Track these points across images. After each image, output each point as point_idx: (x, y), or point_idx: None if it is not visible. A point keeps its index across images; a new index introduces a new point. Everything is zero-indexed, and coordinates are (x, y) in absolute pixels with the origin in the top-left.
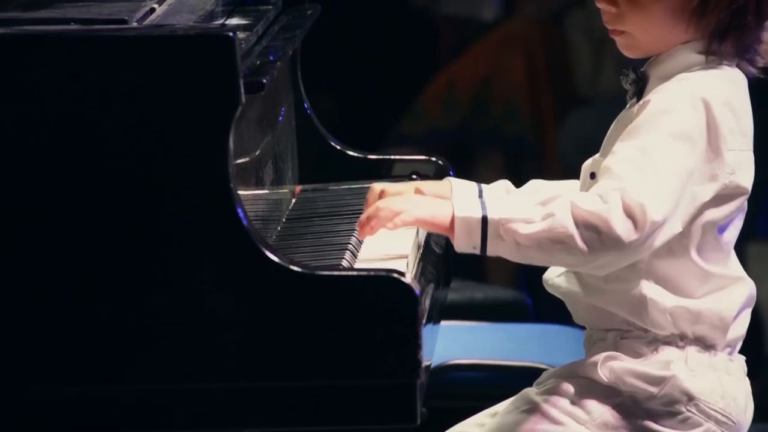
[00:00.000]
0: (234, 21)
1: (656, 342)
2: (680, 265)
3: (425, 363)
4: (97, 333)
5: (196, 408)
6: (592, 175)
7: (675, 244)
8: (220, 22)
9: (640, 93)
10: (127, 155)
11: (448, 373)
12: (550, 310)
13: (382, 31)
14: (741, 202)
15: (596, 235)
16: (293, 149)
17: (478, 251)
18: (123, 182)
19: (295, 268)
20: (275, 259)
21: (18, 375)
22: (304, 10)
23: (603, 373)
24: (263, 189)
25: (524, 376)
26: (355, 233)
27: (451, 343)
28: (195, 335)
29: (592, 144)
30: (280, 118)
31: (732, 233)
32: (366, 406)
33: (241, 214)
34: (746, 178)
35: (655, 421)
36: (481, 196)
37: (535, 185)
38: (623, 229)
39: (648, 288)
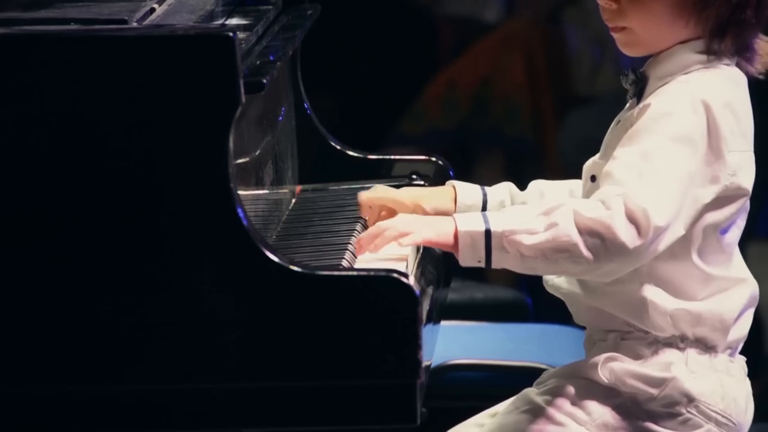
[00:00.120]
0: (234, 21)
1: (657, 343)
2: (681, 268)
3: (425, 363)
4: (97, 333)
5: (196, 408)
6: (593, 178)
7: (676, 247)
8: (220, 22)
9: (640, 93)
10: (127, 155)
11: (448, 373)
12: (550, 310)
13: (382, 31)
14: (742, 204)
15: (600, 242)
16: (293, 149)
17: (483, 264)
18: (123, 182)
19: (295, 268)
20: (275, 259)
21: (18, 375)
22: (304, 10)
23: (603, 374)
24: (263, 189)
25: (524, 376)
26: (356, 233)
27: (451, 343)
28: (195, 335)
29: (592, 144)
30: (280, 118)
31: (734, 234)
32: (366, 406)
33: (241, 214)
34: (747, 179)
35: (656, 423)
36: (484, 202)
37: (538, 186)
38: (627, 235)
39: (649, 291)
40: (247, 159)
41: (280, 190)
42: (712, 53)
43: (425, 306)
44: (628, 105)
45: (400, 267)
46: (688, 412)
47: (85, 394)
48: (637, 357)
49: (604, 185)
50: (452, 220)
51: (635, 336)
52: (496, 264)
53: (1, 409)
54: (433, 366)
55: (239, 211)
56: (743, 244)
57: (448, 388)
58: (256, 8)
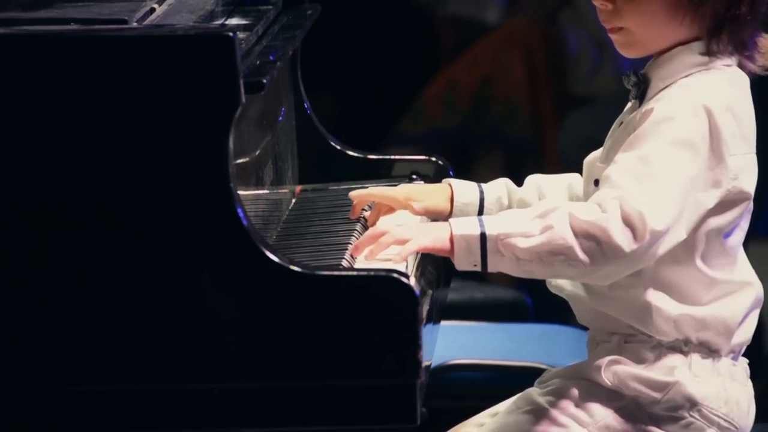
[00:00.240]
0: (234, 21)
1: (660, 347)
2: (685, 273)
3: (425, 363)
4: (97, 333)
5: (196, 408)
6: (596, 182)
7: (680, 252)
8: (220, 22)
9: (642, 95)
10: (127, 155)
11: (448, 373)
12: (550, 310)
13: (382, 31)
14: (744, 208)
15: (596, 246)
16: (293, 149)
17: (479, 268)
18: (123, 182)
19: (295, 268)
20: (275, 259)
21: (18, 375)
22: (304, 10)
23: (607, 377)
24: (263, 189)
25: (524, 376)
26: (355, 233)
27: (451, 343)
28: (195, 335)
29: (592, 143)
30: (280, 118)
31: (738, 237)
32: (366, 406)
33: (241, 214)
34: (749, 182)
35: (658, 426)
36: (481, 199)
37: (535, 181)
38: (622, 238)
39: (653, 296)
40: (247, 159)
41: (280, 190)
42: (712, 54)
43: (425, 306)
44: (630, 106)
45: (400, 267)
46: (691, 416)
47: (85, 394)
48: (640, 361)
49: (601, 188)
50: (448, 225)
51: (639, 339)
52: (491, 267)
53: (1, 409)
54: (433, 366)
55: (239, 211)
56: (743, 244)
57: (448, 388)
58: (256, 8)
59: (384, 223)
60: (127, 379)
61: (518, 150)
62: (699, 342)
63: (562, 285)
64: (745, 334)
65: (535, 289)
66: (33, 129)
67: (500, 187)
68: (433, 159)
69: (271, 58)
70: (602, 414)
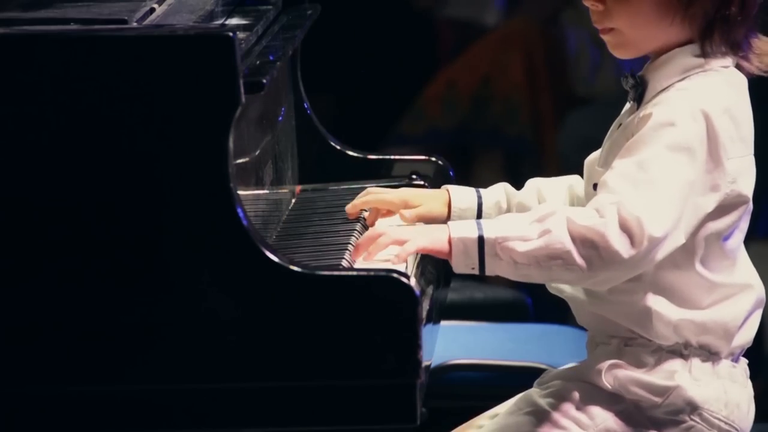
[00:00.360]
0: (234, 21)
1: (660, 351)
2: (685, 277)
3: (425, 363)
4: (97, 333)
5: (196, 408)
6: (595, 186)
7: (679, 256)
8: (220, 22)
9: (640, 98)
10: (127, 155)
11: (448, 373)
12: (550, 310)
13: (382, 31)
14: (743, 211)
15: (594, 251)
16: (293, 149)
17: (476, 271)
18: (123, 182)
19: (295, 268)
20: (275, 259)
21: (18, 375)
22: (304, 10)
23: (607, 381)
24: (263, 189)
25: (524, 376)
26: (355, 233)
27: (451, 343)
28: (195, 335)
29: (592, 143)
30: (280, 118)
31: (737, 239)
32: (366, 406)
33: (241, 214)
34: (747, 185)
35: (659, 429)
36: (479, 205)
37: (535, 185)
38: (620, 243)
39: (653, 300)
40: (247, 159)
41: (280, 190)
42: (707, 55)
43: (425, 306)
44: (628, 107)
45: (400, 267)
46: (692, 419)
47: (85, 394)
48: (640, 364)
49: (599, 194)
50: (446, 228)
51: (639, 343)
52: (489, 271)
53: (1, 409)
54: (433, 366)
55: (239, 211)
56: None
57: (448, 388)
58: (256, 8)
59: (382, 224)
60: (127, 379)
61: (518, 150)
62: (699, 345)
63: (562, 287)
64: (746, 336)
65: (535, 289)
66: (33, 129)
67: (499, 191)
68: (433, 159)
69: (271, 58)
70: (603, 417)
